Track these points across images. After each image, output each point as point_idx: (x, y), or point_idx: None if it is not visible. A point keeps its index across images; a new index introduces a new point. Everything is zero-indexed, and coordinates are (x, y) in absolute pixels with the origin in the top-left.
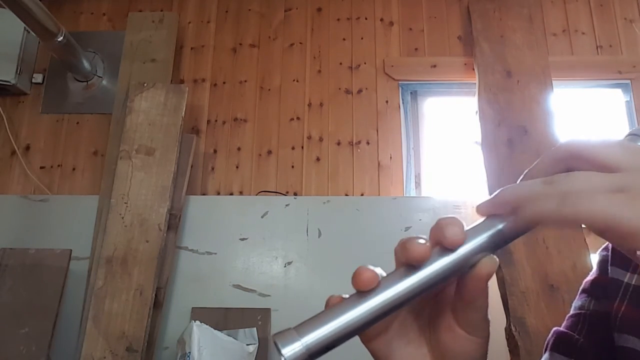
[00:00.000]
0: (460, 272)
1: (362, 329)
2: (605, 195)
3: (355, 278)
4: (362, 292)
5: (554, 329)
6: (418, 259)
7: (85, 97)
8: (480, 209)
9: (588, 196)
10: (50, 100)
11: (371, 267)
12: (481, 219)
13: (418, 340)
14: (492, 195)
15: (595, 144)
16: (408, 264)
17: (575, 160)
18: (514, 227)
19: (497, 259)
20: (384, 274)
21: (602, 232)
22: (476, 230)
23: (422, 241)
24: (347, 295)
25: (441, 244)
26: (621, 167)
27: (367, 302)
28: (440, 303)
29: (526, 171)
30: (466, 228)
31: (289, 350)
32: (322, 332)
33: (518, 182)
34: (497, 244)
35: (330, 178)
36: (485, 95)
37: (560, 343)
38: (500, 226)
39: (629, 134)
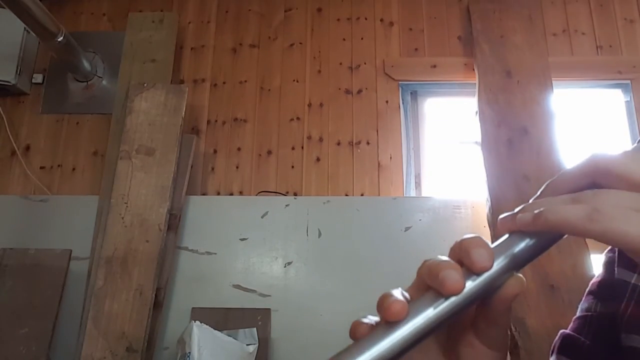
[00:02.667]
0: (487, 294)
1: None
2: (638, 216)
3: (384, 309)
4: (391, 322)
5: (561, 331)
6: (454, 293)
7: (85, 97)
8: (502, 222)
9: (620, 215)
10: (50, 101)
11: (398, 296)
12: (503, 237)
13: (438, 356)
14: (533, 213)
15: (626, 161)
16: (439, 293)
17: (603, 177)
18: (538, 242)
19: (524, 279)
20: (407, 295)
21: (633, 253)
22: (500, 249)
23: (456, 275)
24: (372, 319)
25: (469, 269)
26: None
27: (397, 332)
28: (461, 319)
29: (548, 182)
30: (492, 246)
31: None
32: None
33: (539, 193)
34: (521, 262)
35: (330, 178)
36: (485, 95)
37: (566, 346)
38: (523, 244)
39: None
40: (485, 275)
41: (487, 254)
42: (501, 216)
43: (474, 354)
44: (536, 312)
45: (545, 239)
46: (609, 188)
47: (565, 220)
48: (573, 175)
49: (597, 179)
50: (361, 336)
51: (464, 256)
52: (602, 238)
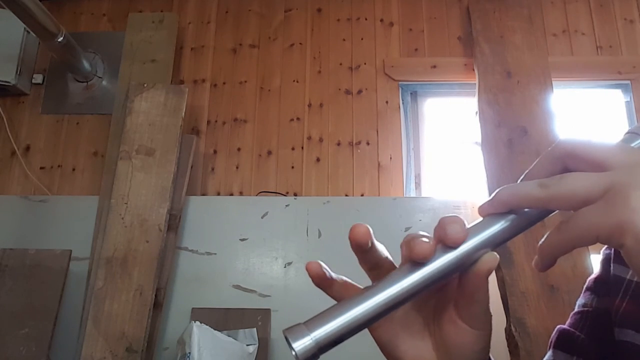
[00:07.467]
0: (462, 268)
1: (368, 324)
2: (589, 211)
3: (352, 233)
4: (368, 288)
5: (558, 326)
6: (422, 257)
7: (85, 98)
8: (480, 210)
9: (569, 177)
10: (50, 101)
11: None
12: (482, 218)
13: (422, 332)
14: (491, 196)
15: (590, 144)
16: (413, 261)
17: (571, 159)
18: (512, 227)
19: (498, 256)
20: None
21: (595, 243)
22: (477, 228)
23: (426, 240)
24: (344, 279)
25: (443, 242)
26: (612, 165)
27: (372, 298)
28: (444, 296)
29: (527, 171)
30: (468, 226)
31: (299, 344)
32: (331, 327)
33: (518, 181)
34: (497, 242)
35: (330, 178)
36: (485, 95)
37: (562, 340)
38: (499, 224)
39: (628, 132)
40: (459, 249)
41: (460, 229)
42: (479, 205)
43: (456, 332)
44: (536, 312)
45: (517, 221)
46: (577, 170)
47: (515, 194)
48: (547, 160)
49: (566, 162)
50: (340, 300)
51: (440, 232)
52: (553, 201)
